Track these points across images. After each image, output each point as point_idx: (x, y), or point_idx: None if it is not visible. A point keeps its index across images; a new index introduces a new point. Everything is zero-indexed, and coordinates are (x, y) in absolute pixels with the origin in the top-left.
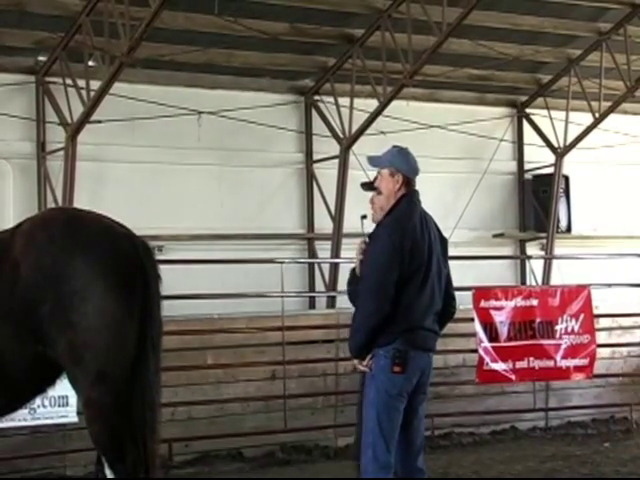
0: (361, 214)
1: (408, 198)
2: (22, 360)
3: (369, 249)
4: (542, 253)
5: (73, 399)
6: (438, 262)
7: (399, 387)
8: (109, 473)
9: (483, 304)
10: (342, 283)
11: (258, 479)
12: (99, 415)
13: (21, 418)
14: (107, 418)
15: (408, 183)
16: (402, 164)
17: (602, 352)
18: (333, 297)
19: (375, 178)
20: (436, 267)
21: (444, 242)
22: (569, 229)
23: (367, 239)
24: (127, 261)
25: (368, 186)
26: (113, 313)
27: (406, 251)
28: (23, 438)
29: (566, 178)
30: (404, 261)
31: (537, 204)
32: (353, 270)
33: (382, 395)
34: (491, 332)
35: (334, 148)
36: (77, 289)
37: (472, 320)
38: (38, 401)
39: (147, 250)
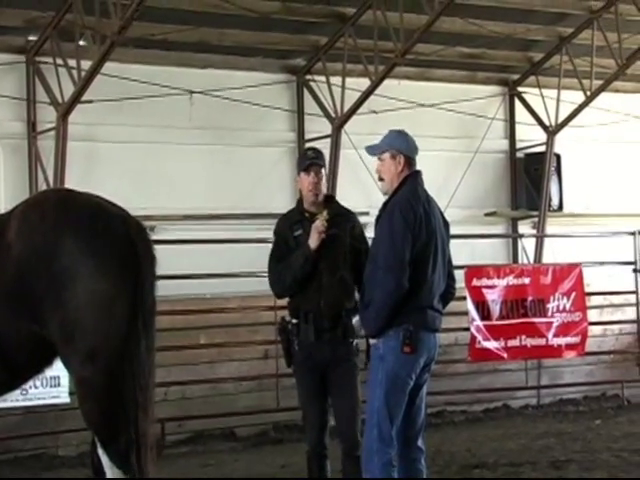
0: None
1: (412, 179)
2: (18, 340)
3: (378, 228)
4: (534, 231)
5: (65, 379)
6: (442, 243)
7: (408, 368)
8: (102, 453)
9: (475, 282)
10: None
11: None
12: (90, 394)
13: (13, 399)
14: (99, 397)
15: (410, 164)
16: (402, 144)
17: (594, 330)
18: None
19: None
20: (441, 248)
21: (446, 225)
22: (561, 207)
23: (327, 215)
24: (118, 240)
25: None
26: (103, 292)
27: (417, 229)
28: (15, 418)
29: (558, 156)
30: (415, 238)
31: (529, 182)
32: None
33: (391, 376)
34: (483, 310)
35: (326, 127)
36: (67, 268)
37: (464, 299)
38: (30, 382)
39: (140, 230)
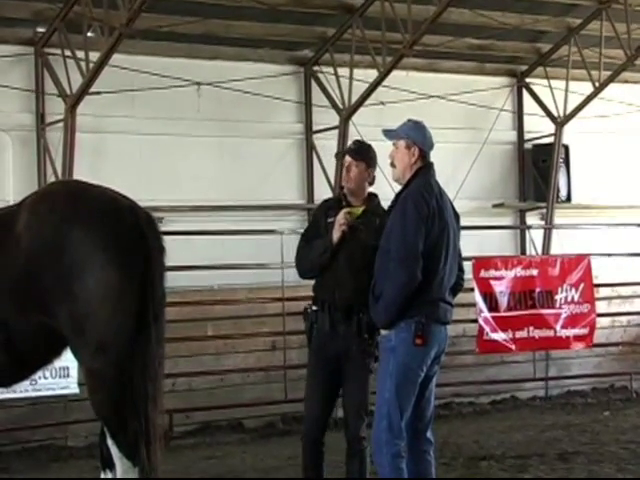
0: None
1: (425, 170)
2: (27, 331)
3: (390, 220)
4: (542, 223)
5: (74, 370)
6: (454, 235)
7: (419, 360)
8: (111, 443)
9: (483, 274)
10: None
11: None
12: (100, 385)
13: (22, 389)
14: (108, 388)
15: (424, 157)
16: (418, 137)
17: (602, 321)
18: None
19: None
20: (452, 240)
21: (457, 217)
22: (569, 199)
23: (356, 210)
24: (128, 232)
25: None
26: (113, 284)
27: (429, 221)
28: (24, 409)
29: (566, 148)
30: (428, 231)
31: (537, 174)
32: (311, 239)
33: (402, 367)
34: (491, 302)
35: (334, 119)
36: (77, 260)
37: (472, 290)
38: (39, 372)
39: (150, 221)
